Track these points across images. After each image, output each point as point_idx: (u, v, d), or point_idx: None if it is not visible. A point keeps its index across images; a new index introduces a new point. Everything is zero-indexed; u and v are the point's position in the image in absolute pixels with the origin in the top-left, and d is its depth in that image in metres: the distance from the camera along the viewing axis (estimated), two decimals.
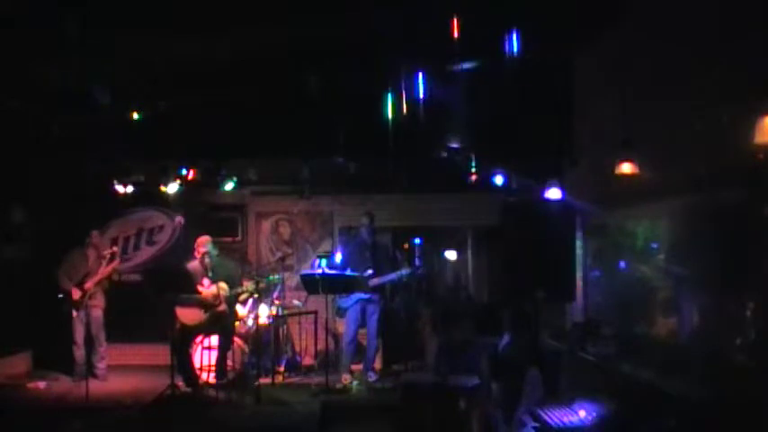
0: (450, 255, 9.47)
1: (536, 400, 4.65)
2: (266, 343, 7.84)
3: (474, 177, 7.20)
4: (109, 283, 7.77)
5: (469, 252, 9.59)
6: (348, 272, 7.43)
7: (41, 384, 7.53)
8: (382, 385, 7.39)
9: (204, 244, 7.24)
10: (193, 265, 7.20)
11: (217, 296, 7.05)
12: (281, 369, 7.94)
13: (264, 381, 7.32)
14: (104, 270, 7.67)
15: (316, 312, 7.89)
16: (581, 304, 6.29)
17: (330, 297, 7.34)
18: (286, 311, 8.19)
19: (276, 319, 7.92)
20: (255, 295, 7.51)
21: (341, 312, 7.74)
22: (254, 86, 6.37)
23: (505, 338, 5.86)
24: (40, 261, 8.20)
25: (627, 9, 5.24)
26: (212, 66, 6.07)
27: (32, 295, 8.06)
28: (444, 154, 7.35)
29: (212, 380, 7.12)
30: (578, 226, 6.13)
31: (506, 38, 5.12)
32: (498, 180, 7.15)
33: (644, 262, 5.16)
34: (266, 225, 9.32)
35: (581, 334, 5.51)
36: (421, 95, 5.87)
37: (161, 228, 9.17)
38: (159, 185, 8.07)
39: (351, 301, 7.56)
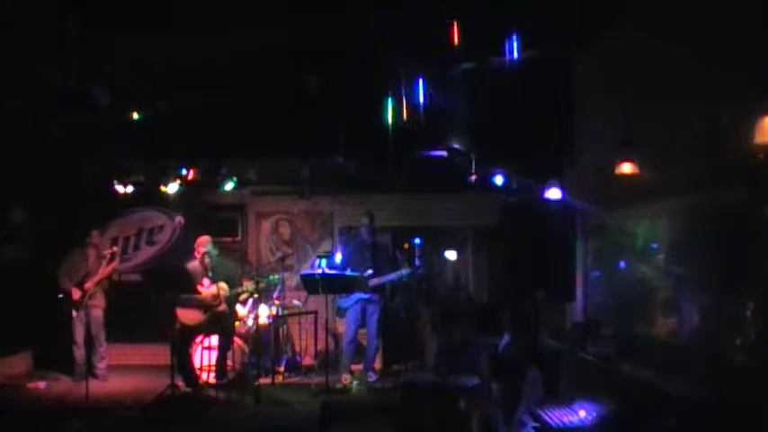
0: (451, 255, 9.46)
1: (536, 400, 4.64)
2: (266, 343, 7.84)
3: (474, 177, 7.20)
4: (109, 283, 7.78)
5: (469, 252, 9.59)
6: (348, 272, 7.44)
7: (41, 384, 7.53)
8: (382, 385, 7.40)
9: (204, 244, 7.25)
10: (193, 265, 7.20)
11: (217, 296, 7.05)
12: (281, 369, 7.95)
13: (264, 381, 7.32)
14: (104, 270, 7.67)
15: (316, 312, 7.89)
16: (581, 304, 6.29)
17: (330, 297, 7.35)
18: (286, 311, 8.19)
19: (276, 319, 7.92)
20: (255, 295, 7.51)
21: (341, 312, 7.75)
22: (254, 86, 6.37)
23: (505, 338, 5.86)
24: (40, 261, 8.20)
25: (627, 9, 5.24)
26: (212, 66, 6.07)
27: (32, 295, 8.06)
28: (444, 154, 7.34)
29: (212, 380, 7.13)
30: (578, 226, 6.12)
31: (506, 38, 5.12)
32: (498, 180, 7.15)
33: (644, 262, 5.16)
34: (266, 225, 9.33)
35: (581, 334, 5.51)
36: (421, 95, 5.86)
37: (161, 228, 9.17)
38: (159, 185, 8.08)
39: (351, 301, 7.56)
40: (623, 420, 4.01)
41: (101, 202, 8.51)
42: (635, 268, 5.34)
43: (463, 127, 6.83)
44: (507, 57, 5.13)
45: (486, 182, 7.21)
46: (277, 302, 7.98)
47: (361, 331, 7.70)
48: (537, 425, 4.31)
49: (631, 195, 5.04)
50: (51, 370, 8.00)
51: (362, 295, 7.50)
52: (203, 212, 8.98)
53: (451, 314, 7.65)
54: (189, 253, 7.38)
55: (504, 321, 6.22)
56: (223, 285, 7.10)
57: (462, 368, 6.05)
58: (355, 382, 7.46)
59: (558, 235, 5.50)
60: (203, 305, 7.03)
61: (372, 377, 7.61)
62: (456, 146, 7.10)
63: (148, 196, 8.62)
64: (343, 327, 7.78)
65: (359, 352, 7.79)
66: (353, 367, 7.69)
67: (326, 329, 7.83)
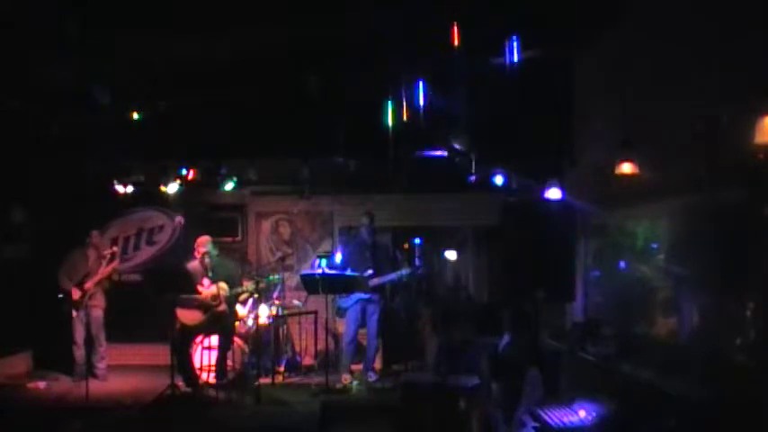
0: (451, 255, 9.46)
1: (536, 400, 4.64)
2: (266, 343, 7.84)
3: (474, 177, 7.20)
4: (109, 283, 7.78)
5: (469, 252, 9.59)
6: (348, 272, 7.44)
7: (41, 384, 7.53)
8: (382, 385, 7.40)
9: (204, 244, 7.25)
10: (193, 265, 7.20)
11: (217, 296, 7.05)
12: (281, 369, 7.95)
13: (264, 381, 7.32)
14: (104, 270, 7.67)
15: (316, 312, 7.89)
16: (581, 304, 6.28)
17: (330, 297, 7.35)
18: (286, 311, 8.19)
19: (276, 319, 7.92)
20: (255, 295, 7.51)
21: (341, 312, 7.75)
22: (254, 86, 6.37)
23: (505, 338, 5.86)
24: (40, 261, 8.21)
25: (627, 9, 5.24)
26: (212, 66, 6.07)
27: (32, 295, 8.06)
28: (444, 154, 7.34)
29: (212, 380, 7.13)
30: (578, 226, 6.12)
31: (506, 38, 5.12)
32: (498, 180, 7.14)
33: (644, 262, 5.16)
34: (266, 225, 9.33)
35: (581, 334, 5.51)
36: (421, 96, 5.86)
37: (161, 228, 9.17)
38: (159, 185, 8.07)
39: (351, 301, 7.56)
40: (623, 420, 4.01)
41: (101, 202, 8.51)
42: (635, 268, 5.34)
43: (463, 127, 6.82)
44: (507, 57, 5.13)
45: (486, 182, 7.21)
46: (277, 302, 7.98)
47: (361, 331, 7.70)
48: (537, 425, 4.31)
49: (631, 195, 5.04)
50: (51, 370, 8.00)
51: (362, 295, 7.50)
52: (203, 212, 8.98)
53: (451, 314, 7.65)
54: (189, 253, 7.38)
55: (504, 321, 6.22)
56: (223, 285, 7.10)
57: (462, 368, 6.05)
58: (355, 382, 7.46)
59: (558, 235, 5.50)
60: (203, 305, 7.03)
61: (372, 377, 7.61)
62: (456, 146, 7.10)
63: (148, 196, 8.62)
64: (343, 327, 7.78)
65: (359, 352, 7.79)
66: (353, 367, 7.69)
67: (326, 329, 7.83)
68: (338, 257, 7.97)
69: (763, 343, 3.54)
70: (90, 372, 7.52)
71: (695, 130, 4.09)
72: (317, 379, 7.55)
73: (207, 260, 7.21)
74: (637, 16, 5.19)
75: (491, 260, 9.12)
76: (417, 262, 8.00)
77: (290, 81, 6.25)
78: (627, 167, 4.50)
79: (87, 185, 8.36)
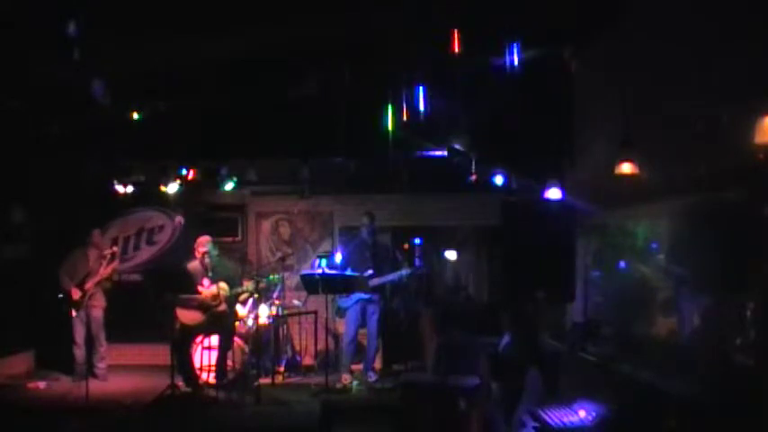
0: (451, 255, 9.47)
1: (536, 400, 4.64)
2: (266, 343, 7.84)
3: (474, 177, 7.20)
4: (109, 283, 7.78)
5: (469, 252, 9.59)
6: (348, 272, 7.44)
7: (41, 384, 7.53)
8: (382, 385, 7.40)
9: (204, 244, 7.25)
10: (193, 265, 7.20)
11: (217, 296, 7.05)
12: (281, 369, 7.95)
13: (264, 381, 7.32)
14: (104, 270, 7.68)
15: (316, 312, 7.90)
16: (581, 304, 6.28)
17: (330, 297, 7.35)
18: (286, 311, 8.19)
19: (276, 319, 7.92)
20: (255, 295, 7.51)
21: (341, 312, 7.75)
22: (254, 87, 6.37)
23: (505, 338, 5.85)
24: (40, 261, 8.21)
25: (627, 9, 5.24)
26: (212, 66, 6.07)
27: (32, 295, 8.06)
28: (444, 154, 7.34)
29: (212, 380, 7.13)
30: (578, 226, 6.12)
31: (506, 38, 5.12)
32: (498, 180, 7.14)
33: (644, 262, 5.16)
34: (266, 225, 9.33)
35: (581, 334, 5.51)
36: (421, 96, 5.86)
37: (161, 228, 9.17)
38: (159, 185, 8.06)
39: (351, 301, 7.56)
40: (623, 420, 4.01)
41: (101, 202, 8.51)
42: (635, 268, 5.34)
43: (463, 127, 6.82)
44: (507, 57, 5.13)
45: (486, 182, 7.21)
46: (277, 302, 7.98)
47: (361, 331, 7.70)
48: (537, 425, 4.31)
49: (631, 195, 5.03)
50: (51, 370, 8.00)
51: (362, 295, 7.50)
52: (203, 212, 8.98)
53: (451, 314, 7.64)
54: (189, 253, 7.38)
55: (504, 321, 6.21)
56: (223, 285, 7.10)
57: (462, 368, 6.05)
58: (355, 382, 7.46)
59: (558, 235, 5.50)
60: (203, 305, 7.03)
61: (372, 377, 7.61)
62: (456, 146, 7.10)
63: (148, 196, 8.62)
64: (343, 327, 7.78)
65: (359, 352, 7.79)
66: (353, 367, 7.69)
67: (326, 329, 7.83)
68: (338, 257, 7.97)
69: (763, 343, 3.54)
70: (90, 372, 7.53)
71: (695, 130, 4.09)
72: (316, 379, 7.56)
73: (207, 260, 7.21)
74: (637, 16, 5.18)
75: (491, 260, 9.12)
76: (417, 262, 8.00)
77: (290, 81, 6.25)
78: (627, 167, 4.49)
79: (87, 185, 8.36)
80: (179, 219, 9.04)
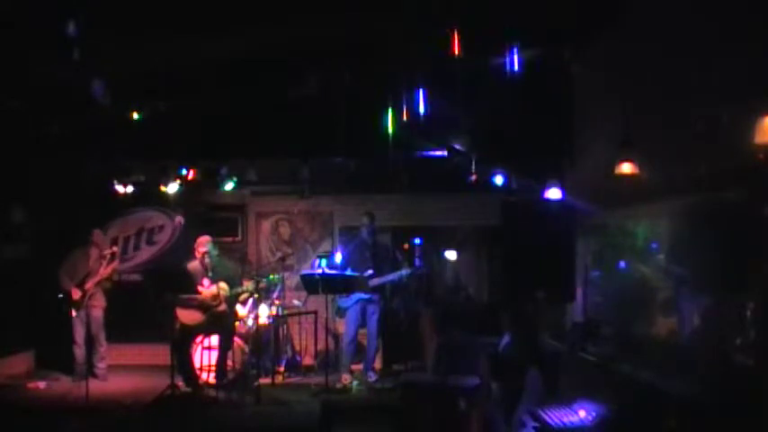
0: (451, 255, 9.46)
1: (536, 400, 4.64)
2: (266, 343, 7.84)
3: (474, 177, 7.20)
4: (110, 283, 7.78)
5: (469, 252, 9.59)
6: (348, 272, 7.44)
7: (41, 384, 7.53)
8: (382, 385, 7.40)
9: (204, 244, 7.25)
10: (193, 265, 7.20)
11: (217, 296, 7.05)
12: (281, 369, 7.95)
13: (264, 381, 7.33)
14: (104, 271, 7.68)
15: (316, 312, 7.90)
16: (581, 304, 6.28)
17: (330, 297, 7.35)
18: (286, 311, 8.19)
19: (276, 319, 7.92)
20: (255, 295, 7.51)
21: (341, 312, 7.75)
22: (254, 87, 6.37)
23: (505, 338, 5.85)
24: (40, 261, 8.21)
25: (627, 9, 5.24)
26: (212, 66, 6.07)
27: (32, 295, 8.06)
28: (444, 154, 7.34)
29: (212, 380, 7.13)
30: (578, 226, 6.12)
31: (506, 38, 5.12)
32: (498, 180, 7.15)
33: (644, 262, 5.16)
34: (266, 225, 9.33)
35: (581, 334, 5.51)
36: (421, 96, 5.86)
37: (161, 228, 9.17)
38: (159, 185, 8.06)
39: (351, 301, 7.56)
40: (623, 420, 4.01)
41: (101, 202, 8.51)
42: (635, 268, 5.34)
43: (463, 127, 6.82)
44: (507, 57, 5.13)
45: (486, 182, 7.21)
46: (277, 302, 7.98)
47: (361, 331, 7.70)
48: (537, 425, 4.31)
49: (631, 195, 5.04)
50: (52, 370, 8.00)
51: (362, 295, 7.50)
52: (203, 212, 8.98)
53: (451, 314, 7.65)
54: (189, 253, 7.38)
55: (503, 321, 6.21)
56: (223, 285, 7.10)
57: (462, 368, 6.05)
58: (355, 382, 7.46)
59: (558, 235, 5.51)
60: (203, 305, 7.03)
61: (372, 377, 7.61)
62: (456, 146, 7.10)
63: (148, 196, 8.62)
64: (343, 327, 7.78)
65: (359, 352, 7.79)
66: (353, 367, 7.69)
67: (326, 329, 7.83)
68: (338, 257, 7.97)
69: (763, 343, 3.54)
70: (90, 372, 7.52)
71: (695, 130, 4.09)
72: (316, 379, 7.56)
73: (207, 260, 7.21)
74: (637, 16, 5.18)
75: (491, 260, 9.12)
76: (417, 262, 8.00)
77: (290, 81, 6.25)
78: (627, 167, 4.49)
79: (87, 185, 8.36)
80: (179, 219, 9.04)
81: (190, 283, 6.89)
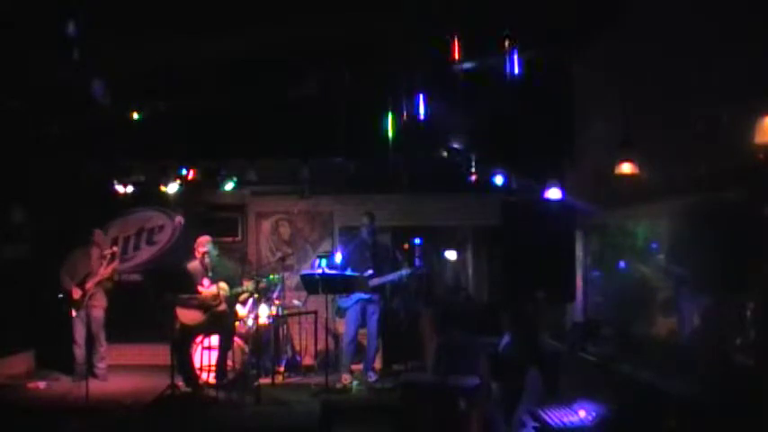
0: (451, 255, 9.47)
1: (536, 400, 4.64)
2: (266, 343, 7.84)
3: (474, 177, 7.20)
4: (111, 283, 7.78)
5: (469, 252, 9.59)
6: (348, 272, 7.44)
7: (41, 384, 7.53)
8: (382, 385, 7.39)
9: (204, 244, 7.25)
10: (193, 265, 7.20)
11: (217, 296, 7.05)
12: (281, 369, 7.95)
13: (264, 381, 7.32)
14: (104, 271, 7.67)
15: (316, 312, 7.90)
16: (581, 304, 6.29)
17: (330, 297, 7.35)
18: (286, 311, 8.19)
19: (276, 319, 7.92)
20: (255, 295, 7.51)
21: (341, 312, 7.75)
22: (254, 87, 6.37)
23: (505, 338, 5.86)
24: (40, 261, 8.21)
25: (626, 9, 5.24)
26: (212, 66, 6.07)
27: (33, 295, 8.06)
28: (444, 154, 7.34)
29: (212, 380, 7.12)
30: (578, 226, 6.12)
31: (506, 39, 5.11)
32: (498, 180, 7.15)
33: (644, 262, 5.16)
34: (266, 225, 9.32)
35: (581, 334, 5.51)
36: (421, 96, 5.86)
37: (161, 228, 9.17)
38: (159, 185, 8.07)
39: (351, 301, 7.56)
40: (623, 420, 4.01)
41: (101, 202, 8.51)
42: (635, 268, 5.34)
43: (463, 127, 6.82)
44: (507, 57, 5.13)
45: (486, 182, 7.21)
46: (277, 302, 7.98)
47: (361, 331, 7.70)
48: (537, 425, 4.31)
49: (631, 195, 5.04)
50: (52, 370, 7.99)
51: (362, 295, 7.50)
52: (203, 212, 8.98)
53: (451, 314, 7.65)
54: (189, 253, 7.38)
55: (504, 321, 6.21)
56: (223, 285, 7.10)
57: (462, 368, 6.05)
58: (355, 382, 7.46)
59: (558, 235, 5.51)
60: (203, 305, 7.03)
61: (372, 377, 7.61)
62: (456, 146, 7.10)
63: (148, 196, 8.62)
64: (343, 327, 7.78)
65: (359, 352, 7.79)
66: (353, 367, 7.69)
67: (326, 329, 7.83)
68: (338, 257, 7.97)
69: (763, 343, 3.54)
70: (90, 372, 7.52)
71: (695, 130, 4.09)
72: (316, 379, 7.55)
73: (207, 260, 7.21)
74: (636, 16, 5.18)
75: (491, 260, 9.13)
76: (417, 262, 7.99)
77: (290, 81, 6.25)
78: (627, 167, 4.49)
79: (87, 185, 8.36)
80: (179, 219, 9.04)
81: (190, 283, 6.89)
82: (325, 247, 9.12)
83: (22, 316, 8.02)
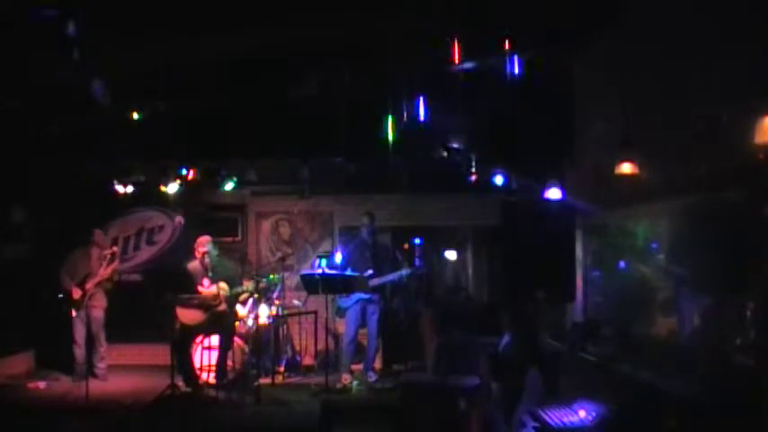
0: (451, 255, 9.47)
1: (536, 400, 4.65)
2: (266, 343, 7.84)
3: (474, 177, 7.20)
4: (111, 283, 7.78)
5: (469, 252, 9.59)
6: (348, 272, 7.44)
7: (41, 384, 7.53)
8: (382, 385, 7.39)
9: (204, 244, 7.25)
10: (193, 265, 7.20)
11: (217, 296, 7.05)
12: (281, 369, 7.95)
13: (264, 381, 7.32)
14: (104, 271, 7.67)
15: (316, 312, 7.89)
16: (581, 304, 6.29)
17: (330, 297, 7.34)
18: (286, 311, 8.19)
19: (276, 319, 7.92)
20: (255, 295, 7.51)
21: (341, 312, 7.74)
22: (254, 87, 6.37)
23: (505, 338, 5.86)
24: (40, 261, 8.21)
25: (626, 9, 5.24)
26: (212, 66, 6.07)
27: (32, 295, 8.06)
28: (444, 154, 7.34)
29: (212, 380, 7.12)
30: (578, 226, 6.12)
31: (506, 39, 5.12)
32: (498, 180, 7.14)
33: (644, 262, 5.16)
34: (266, 225, 9.32)
35: (581, 334, 5.51)
36: (421, 96, 5.87)
37: (161, 228, 9.17)
38: (159, 185, 8.06)
39: (351, 301, 7.56)
40: (623, 420, 4.01)
41: (101, 202, 8.51)
42: (635, 268, 5.34)
43: (463, 127, 6.82)
44: (508, 57, 5.13)
45: (486, 182, 7.21)
46: (277, 302, 7.98)
47: (361, 331, 7.70)
48: (537, 425, 4.31)
49: (631, 195, 5.04)
50: (52, 370, 7.99)
51: (362, 295, 7.50)
52: (203, 212, 8.98)
53: (451, 314, 7.65)
54: (189, 253, 7.38)
55: (504, 321, 6.21)
56: (223, 285, 7.10)
57: (462, 368, 6.05)
58: (355, 382, 7.46)
59: (558, 235, 5.51)
60: (203, 305, 7.03)
61: (372, 377, 7.61)
62: (456, 146, 7.09)
63: (148, 196, 8.61)
64: (343, 327, 7.78)
65: (359, 352, 7.79)
66: (353, 367, 7.68)
67: (326, 329, 7.83)
68: (338, 257, 7.96)
69: (763, 343, 3.54)
70: (90, 372, 7.52)
71: (695, 130, 4.09)
72: (316, 379, 7.55)
73: (207, 260, 7.20)
74: (637, 16, 5.19)
75: (491, 260, 9.12)
76: (417, 262, 7.99)
77: (290, 81, 6.25)
78: (627, 167, 4.50)
79: (87, 185, 8.36)
80: (179, 219, 9.04)
81: (190, 283, 6.89)
82: (325, 247, 9.12)
83: (22, 316, 8.02)
